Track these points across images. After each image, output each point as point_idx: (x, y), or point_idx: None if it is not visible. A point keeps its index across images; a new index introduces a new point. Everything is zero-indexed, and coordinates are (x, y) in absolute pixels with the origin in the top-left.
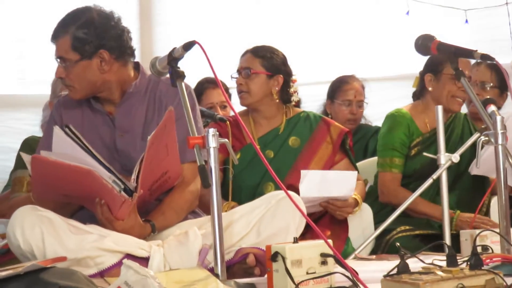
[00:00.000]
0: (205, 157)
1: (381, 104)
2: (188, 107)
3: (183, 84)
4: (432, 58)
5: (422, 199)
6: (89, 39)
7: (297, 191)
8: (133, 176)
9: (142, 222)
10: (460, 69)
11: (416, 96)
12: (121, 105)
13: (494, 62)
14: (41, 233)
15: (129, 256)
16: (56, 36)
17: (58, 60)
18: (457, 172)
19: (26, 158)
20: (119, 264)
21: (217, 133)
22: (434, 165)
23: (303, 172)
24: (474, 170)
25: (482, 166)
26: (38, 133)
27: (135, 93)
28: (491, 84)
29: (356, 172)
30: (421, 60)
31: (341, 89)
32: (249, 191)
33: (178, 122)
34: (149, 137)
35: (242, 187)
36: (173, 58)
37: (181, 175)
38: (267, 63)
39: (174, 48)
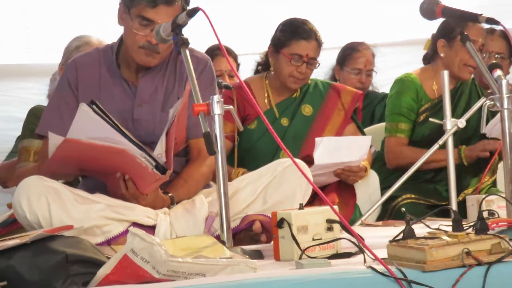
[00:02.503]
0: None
1: (388, 70)
2: (193, 73)
3: (187, 51)
4: (446, 23)
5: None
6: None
7: (313, 161)
8: (160, 151)
9: (163, 195)
10: (466, 33)
11: (427, 60)
12: (145, 75)
13: (503, 29)
14: (47, 203)
15: (136, 224)
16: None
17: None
18: (465, 137)
19: (55, 140)
20: (126, 232)
21: (222, 99)
22: (442, 131)
23: (317, 139)
24: (488, 133)
25: (495, 129)
26: (44, 102)
27: (158, 64)
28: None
29: (370, 136)
30: (429, 26)
31: (351, 56)
32: (267, 158)
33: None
34: (174, 113)
35: (260, 154)
36: (177, 25)
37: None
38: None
39: (178, 15)
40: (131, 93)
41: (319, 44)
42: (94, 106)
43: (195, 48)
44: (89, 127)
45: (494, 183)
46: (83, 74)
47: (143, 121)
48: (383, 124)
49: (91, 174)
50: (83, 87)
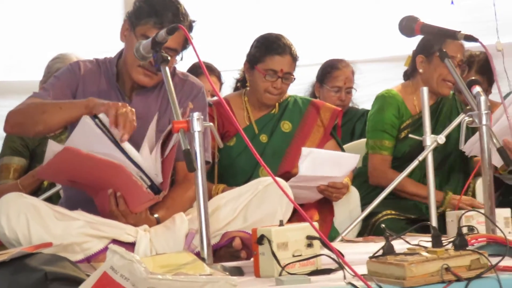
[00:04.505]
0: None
1: (368, 86)
2: (173, 92)
3: (167, 68)
4: (425, 39)
5: (411, 179)
6: None
7: (291, 177)
8: (155, 171)
9: (149, 215)
10: (445, 50)
11: (407, 76)
12: (140, 92)
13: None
14: (27, 220)
15: (116, 241)
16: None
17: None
18: (445, 153)
19: (55, 147)
20: (106, 249)
21: (202, 117)
22: (422, 147)
23: (304, 150)
24: (467, 151)
25: (475, 147)
26: None
27: (154, 84)
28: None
29: (358, 155)
30: (408, 42)
31: (331, 74)
32: (246, 174)
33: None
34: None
35: (238, 171)
36: (156, 43)
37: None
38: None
39: (158, 33)
40: None
41: (293, 58)
42: (96, 120)
43: (179, 65)
44: (89, 139)
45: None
46: (86, 78)
47: (135, 137)
48: (363, 140)
49: (81, 187)
50: (83, 89)
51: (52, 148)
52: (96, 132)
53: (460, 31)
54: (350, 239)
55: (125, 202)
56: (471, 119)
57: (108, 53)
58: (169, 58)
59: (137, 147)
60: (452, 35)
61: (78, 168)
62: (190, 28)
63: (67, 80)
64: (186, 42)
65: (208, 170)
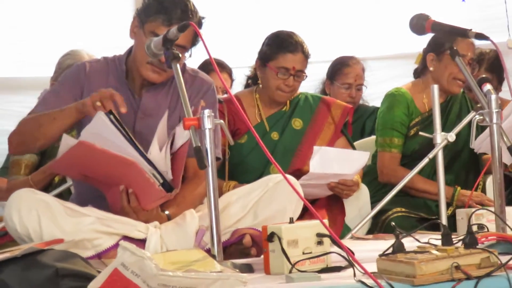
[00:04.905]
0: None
1: (378, 84)
2: (184, 89)
3: (178, 66)
4: (435, 37)
5: (421, 176)
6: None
7: (303, 175)
8: (164, 168)
9: (160, 212)
10: (455, 48)
11: (417, 74)
12: (150, 89)
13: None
14: (38, 216)
15: (126, 238)
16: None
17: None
18: (455, 150)
19: (69, 141)
20: (116, 246)
21: (212, 114)
22: (432, 145)
23: (315, 148)
24: (476, 148)
25: (484, 144)
26: None
27: (164, 81)
28: None
29: (368, 153)
30: (418, 40)
31: (341, 71)
32: (257, 172)
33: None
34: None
35: (249, 169)
36: (168, 40)
37: None
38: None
39: (169, 30)
40: (136, 105)
41: (305, 56)
42: (111, 116)
43: (191, 62)
44: (103, 135)
45: None
46: (92, 78)
47: (144, 134)
48: (373, 137)
49: (93, 182)
50: (89, 91)
51: (67, 142)
52: (110, 128)
53: (471, 29)
54: (360, 237)
55: (136, 199)
56: (481, 117)
57: (119, 50)
58: (180, 55)
59: (149, 144)
60: (463, 33)
61: (91, 163)
62: (199, 24)
63: (70, 84)
64: (195, 39)
65: (219, 167)
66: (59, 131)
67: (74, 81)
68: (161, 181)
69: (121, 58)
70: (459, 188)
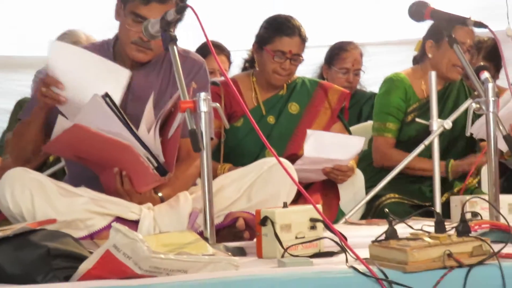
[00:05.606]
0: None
1: (376, 69)
2: (180, 72)
3: (175, 48)
4: (434, 25)
5: (416, 156)
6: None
7: (298, 159)
8: (156, 151)
9: (154, 194)
10: (454, 36)
11: (417, 60)
12: (140, 70)
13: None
14: (31, 195)
15: (119, 219)
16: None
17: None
18: (451, 138)
19: (64, 122)
20: (109, 227)
21: (209, 97)
22: (429, 132)
23: (309, 131)
24: (475, 133)
25: (482, 129)
26: None
27: (153, 61)
28: None
29: (364, 138)
30: (418, 26)
31: (339, 56)
32: (252, 156)
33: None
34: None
35: (245, 152)
36: (166, 22)
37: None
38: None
39: (167, 12)
40: (126, 88)
41: (302, 40)
42: (107, 99)
43: (190, 44)
44: (98, 118)
45: (479, 184)
46: None
47: (135, 116)
48: (370, 123)
49: (87, 163)
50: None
51: (62, 124)
52: (106, 110)
53: (470, 17)
54: (353, 222)
55: (130, 181)
56: (478, 105)
57: (117, 30)
58: (177, 37)
59: (138, 125)
60: (462, 21)
61: (86, 145)
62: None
63: None
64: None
65: (214, 149)
66: (38, 132)
67: None
68: (156, 164)
69: (109, 42)
70: (452, 160)
